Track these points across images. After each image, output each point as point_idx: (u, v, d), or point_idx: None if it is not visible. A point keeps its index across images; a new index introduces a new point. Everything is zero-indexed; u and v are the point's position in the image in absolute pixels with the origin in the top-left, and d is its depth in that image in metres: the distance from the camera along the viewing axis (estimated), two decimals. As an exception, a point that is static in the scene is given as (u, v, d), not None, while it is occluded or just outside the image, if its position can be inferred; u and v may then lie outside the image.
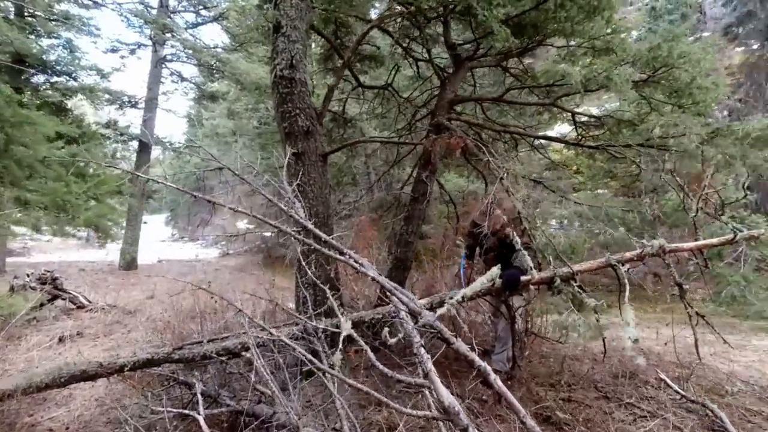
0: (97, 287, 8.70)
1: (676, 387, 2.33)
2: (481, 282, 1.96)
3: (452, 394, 1.85)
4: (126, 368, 3.01)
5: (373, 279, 1.70)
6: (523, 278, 2.54)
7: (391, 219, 5.76)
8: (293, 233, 2.03)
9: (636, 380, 3.00)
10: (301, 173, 3.96)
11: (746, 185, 2.75)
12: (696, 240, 2.69)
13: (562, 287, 2.42)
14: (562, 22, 3.67)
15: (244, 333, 3.26)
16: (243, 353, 3.05)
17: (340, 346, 1.85)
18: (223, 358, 3.08)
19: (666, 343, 3.30)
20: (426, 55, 4.86)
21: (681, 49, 3.14)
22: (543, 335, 3.54)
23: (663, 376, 2.49)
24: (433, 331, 1.56)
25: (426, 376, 1.56)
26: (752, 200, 3.36)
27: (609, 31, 3.81)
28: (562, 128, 8.70)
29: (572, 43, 4.13)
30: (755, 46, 10.99)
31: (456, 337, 1.55)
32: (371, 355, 1.91)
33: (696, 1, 11.84)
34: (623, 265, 2.45)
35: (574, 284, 2.41)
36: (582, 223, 3.07)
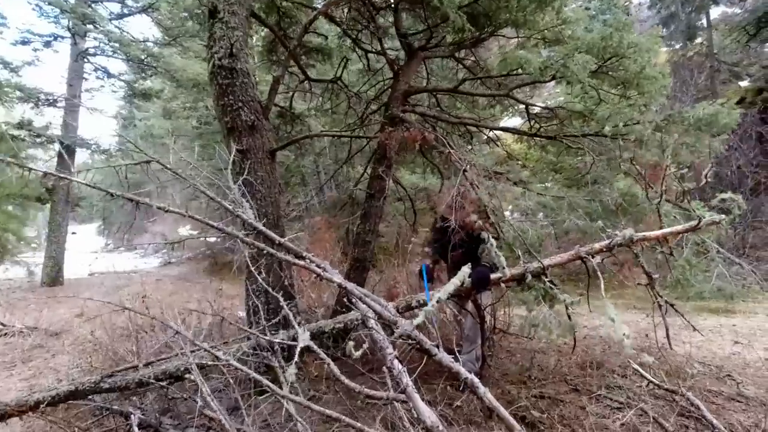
0: (14, 307, 7.72)
1: (650, 377, 2.31)
2: (453, 284, 1.80)
3: (422, 400, 1.66)
4: (43, 404, 2.56)
5: (340, 285, 1.47)
6: (493, 276, 2.41)
7: (345, 218, 5.52)
8: (242, 236, 1.75)
9: (603, 370, 2.99)
10: (247, 171, 3.63)
11: (708, 174, 2.80)
12: (661, 228, 2.70)
13: (533, 283, 2.31)
14: (514, 12, 3.61)
15: (184, 353, 2.91)
16: (187, 375, 2.70)
17: (296, 359, 1.62)
18: (164, 383, 2.71)
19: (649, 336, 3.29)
20: (376, 47, 4.67)
21: (631, 39, 3.16)
22: (510, 331, 3.47)
23: (636, 366, 2.47)
24: (410, 342, 1.36)
25: (403, 391, 1.36)
26: (689, 188, 3.47)
27: (559, 22, 3.82)
28: (511, 122, 8.87)
29: (523, 34, 4.11)
30: (678, 46, 11.87)
31: (438, 348, 1.36)
32: (335, 368, 1.68)
33: (623, 4, 12.58)
34: (593, 257, 2.39)
35: (546, 279, 2.32)
36: (547, 214, 3.01)
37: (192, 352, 2.82)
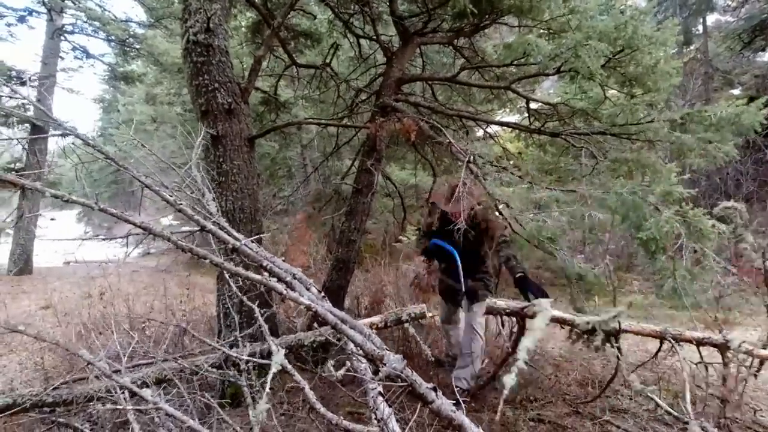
0: (-27, 298, 7.22)
1: (665, 406, 2.06)
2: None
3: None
4: (-30, 419, 2.21)
5: (309, 308, 1.17)
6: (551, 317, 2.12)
7: (330, 214, 5.21)
8: (172, 238, 1.43)
9: (606, 389, 2.74)
10: (222, 160, 3.30)
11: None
12: None
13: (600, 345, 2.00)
14: (520, -4, 3.34)
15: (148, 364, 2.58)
16: (145, 389, 2.38)
17: (268, 386, 1.32)
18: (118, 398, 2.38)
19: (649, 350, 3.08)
20: (368, 32, 4.36)
21: (645, 31, 2.91)
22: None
23: (652, 395, 2.22)
24: (400, 384, 1.06)
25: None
26: (693, 194, 3.26)
27: (566, 11, 3.55)
28: (508, 120, 8.63)
29: (526, 23, 3.84)
30: (674, 51, 11.77)
31: (436, 391, 1.07)
32: (310, 394, 1.39)
33: (620, 7, 12.46)
34: (679, 342, 2.14)
35: (615, 344, 2.04)
36: (561, 209, 2.76)
37: (147, 364, 2.51)
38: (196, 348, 2.83)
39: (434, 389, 1.05)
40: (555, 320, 2.18)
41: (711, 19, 13.68)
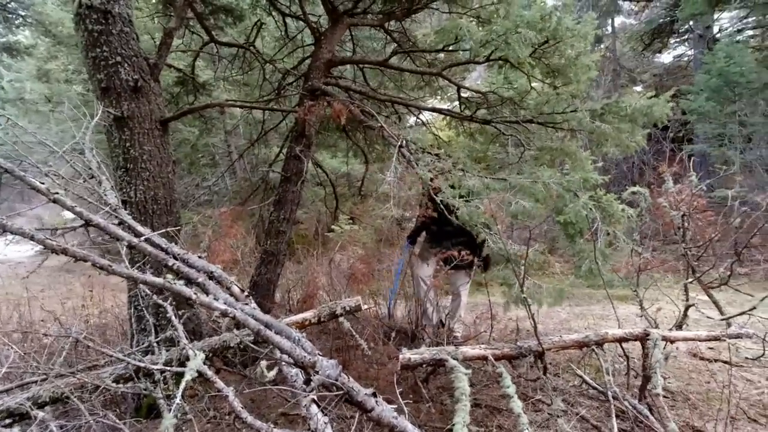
0: None
1: (592, 382, 2.16)
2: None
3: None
4: None
5: (225, 314, 1.00)
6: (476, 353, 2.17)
7: (258, 204, 4.91)
8: (42, 238, 1.18)
9: (535, 367, 2.85)
10: (129, 144, 2.92)
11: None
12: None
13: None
14: (449, -18, 3.31)
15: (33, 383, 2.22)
16: (38, 412, 2.03)
17: (179, 399, 1.15)
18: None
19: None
20: (295, 10, 4.10)
21: (568, 23, 3.01)
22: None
23: (581, 373, 2.34)
24: (336, 392, 0.94)
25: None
26: (606, 181, 3.51)
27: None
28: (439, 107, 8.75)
29: (456, 10, 3.84)
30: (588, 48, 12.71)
31: (375, 397, 0.97)
32: (236, 404, 1.24)
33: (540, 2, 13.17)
34: (601, 346, 2.19)
35: (540, 365, 2.10)
36: (490, 197, 2.79)
37: (40, 381, 2.15)
38: (103, 358, 2.49)
39: (374, 395, 0.95)
40: (472, 359, 2.20)
41: (618, 20, 14.96)
